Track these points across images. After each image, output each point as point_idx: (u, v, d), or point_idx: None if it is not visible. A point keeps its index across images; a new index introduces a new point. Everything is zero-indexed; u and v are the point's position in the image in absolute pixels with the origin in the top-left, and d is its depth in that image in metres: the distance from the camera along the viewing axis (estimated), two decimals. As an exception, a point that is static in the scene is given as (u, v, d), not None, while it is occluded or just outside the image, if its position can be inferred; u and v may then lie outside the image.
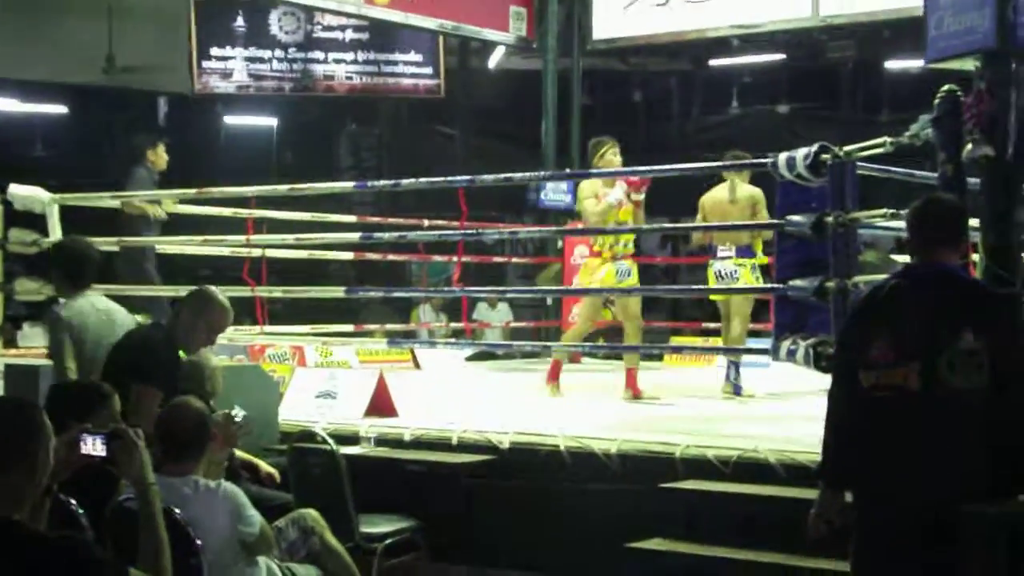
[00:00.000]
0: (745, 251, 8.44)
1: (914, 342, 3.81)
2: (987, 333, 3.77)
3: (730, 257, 8.46)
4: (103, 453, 3.29)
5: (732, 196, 8.46)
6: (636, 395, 8.22)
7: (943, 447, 3.77)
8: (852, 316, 4.35)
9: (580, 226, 9.06)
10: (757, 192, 8.38)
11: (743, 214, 8.40)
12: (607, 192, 8.22)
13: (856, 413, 3.94)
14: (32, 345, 10.63)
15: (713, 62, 18.70)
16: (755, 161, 7.49)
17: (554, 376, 8.52)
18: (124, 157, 9.80)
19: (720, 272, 8.52)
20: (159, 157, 9.71)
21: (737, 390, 8.48)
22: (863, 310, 4.13)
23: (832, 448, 4.04)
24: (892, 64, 18.58)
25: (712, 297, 8.61)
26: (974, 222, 4.69)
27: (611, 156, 8.36)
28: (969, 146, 4.93)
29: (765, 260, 8.40)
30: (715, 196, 8.62)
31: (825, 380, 4.35)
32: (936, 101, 5.20)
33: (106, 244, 9.89)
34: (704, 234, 8.87)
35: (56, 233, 9.61)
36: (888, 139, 5.88)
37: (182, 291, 10.16)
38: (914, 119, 5.45)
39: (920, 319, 3.83)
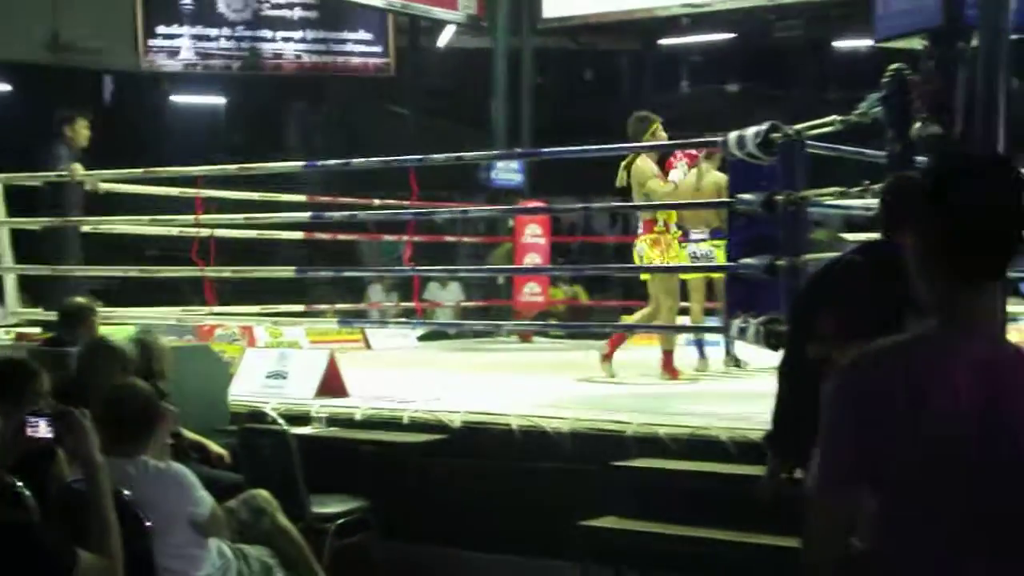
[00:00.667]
0: (718, 233, 8.49)
1: (863, 320, 3.82)
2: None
3: (704, 239, 8.56)
4: (50, 435, 3.25)
5: (699, 183, 8.52)
6: (674, 376, 8.14)
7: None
8: (805, 291, 4.37)
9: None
10: (723, 178, 8.39)
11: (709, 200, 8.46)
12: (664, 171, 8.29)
13: (803, 387, 3.95)
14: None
15: (663, 41, 18.75)
16: (705, 139, 7.51)
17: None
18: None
19: (695, 254, 8.64)
20: (77, 133, 9.45)
21: (736, 362, 8.79)
22: (816, 285, 4.15)
23: (779, 423, 4.06)
24: (841, 43, 18.71)
25: (683, 276, 8.65)
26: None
27: (662, 133, 8.36)
28: (918, 124, 4.96)
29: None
30: (685, 183, 8.70)
31: (776, 358, 4.37)
32: (884, 80, 5.22)
33: (29, 223, 9.80)
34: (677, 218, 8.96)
35: (0, 213, 9.50)
36: (837, 118, 5.91)
37: (132, 271, 10.19)
38: (863, 98, 5.48)
39: (871, 298, 3.84)
